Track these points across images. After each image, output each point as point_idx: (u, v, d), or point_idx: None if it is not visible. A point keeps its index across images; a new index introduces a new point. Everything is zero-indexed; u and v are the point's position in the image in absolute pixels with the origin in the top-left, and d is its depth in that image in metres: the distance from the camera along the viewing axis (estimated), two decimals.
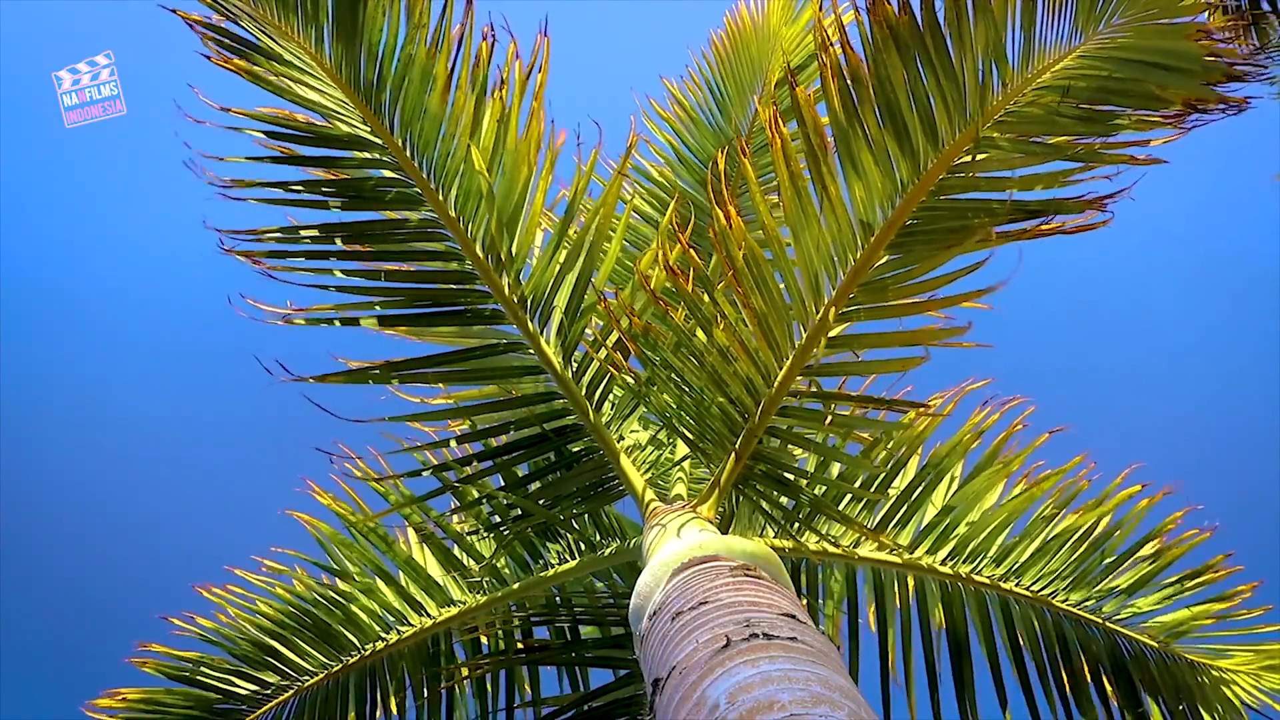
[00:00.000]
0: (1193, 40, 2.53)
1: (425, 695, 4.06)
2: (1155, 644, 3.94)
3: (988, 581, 3.95)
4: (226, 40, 3.53)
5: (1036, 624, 4.00)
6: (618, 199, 3.81)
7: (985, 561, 3.97)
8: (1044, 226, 3.03)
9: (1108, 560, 3.93)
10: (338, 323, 3.67)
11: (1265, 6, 6.00)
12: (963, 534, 3.98)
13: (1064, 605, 3.96)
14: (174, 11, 3.40)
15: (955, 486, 4.07)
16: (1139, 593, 3.96)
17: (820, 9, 3.22)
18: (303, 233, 3.71)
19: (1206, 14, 2.62)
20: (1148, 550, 3.94)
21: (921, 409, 3.83)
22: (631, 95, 4.97)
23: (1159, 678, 3.91)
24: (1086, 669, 3.94)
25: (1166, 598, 3.93)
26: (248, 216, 3.65)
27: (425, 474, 3.86)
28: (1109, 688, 3.92)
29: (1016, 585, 3.96)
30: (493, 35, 3.51)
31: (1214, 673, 3.90)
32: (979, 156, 3.02)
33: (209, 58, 3.48)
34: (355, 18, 3.44)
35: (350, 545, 4.09)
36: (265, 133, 3.65)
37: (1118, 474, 4.01)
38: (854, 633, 4.10)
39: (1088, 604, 3.96)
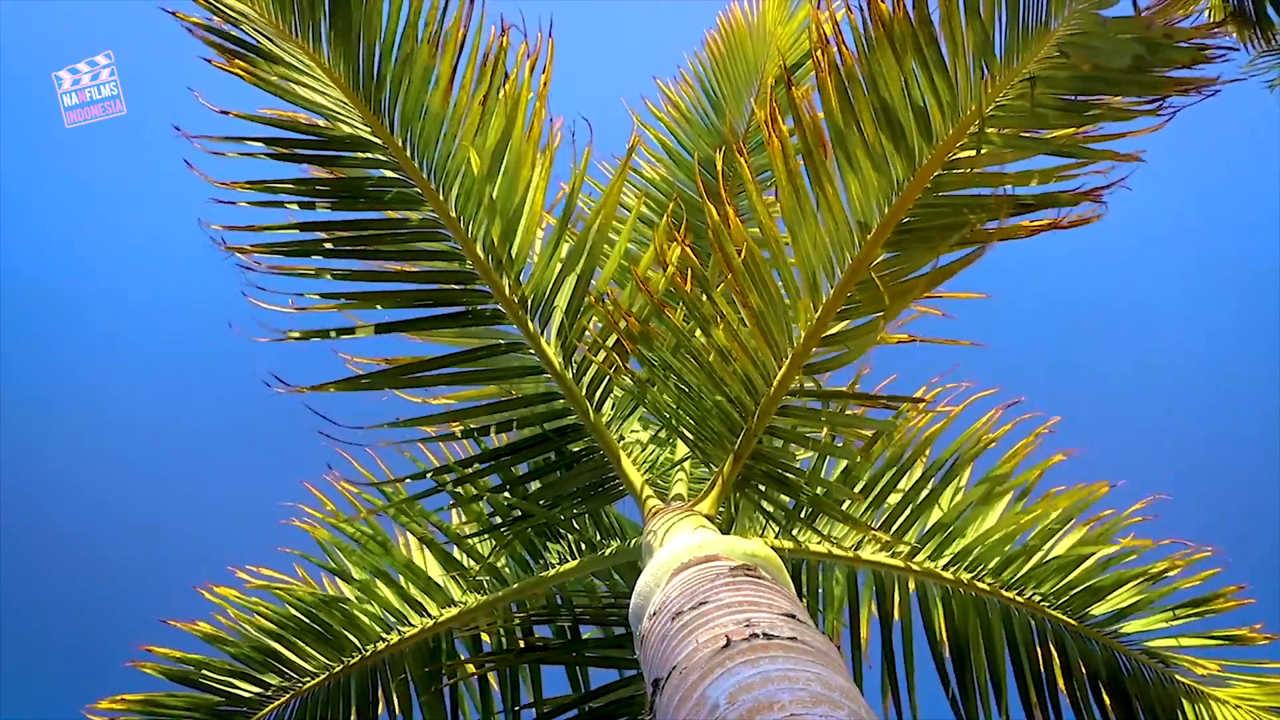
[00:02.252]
0: (1140, 28, 2.53)
1: (426, 695, 4.06)
2: (1153, 664, 3.93)
3: (988, 589, 3.95)
4: (225, 42, 3.53)
5: (1036, 632, 3.99)
6: (619, 200, 3.81)
7: (986, 571, 3.96)
8: (1039, 221, 3.03)
9: (1111, 580, 3.90)
10: (334, 333, 3.67)
11: (1272, 15, 5.99)
12: (965, 542, 3.96)
13: (1064, 617, 3.95)
14: (172, 14, 3.39)
15: (961, 494, 4.05)
16: (1141, 613, 3.93)
17: (816, 7, 3.21)
18: (303, 233, 3.71)
19: (1212, 18, 2.64)
20: (1154, 570, 3.90)
21: (920, 404, 3.83)
22: (625, 95, 4.98)
23: (1156, 697, 3.89)
24: (1086, 680, 3.93)
25: (1168, 621, 3.90)
26: (248, 218, 3.65)
27: (427, 477, 3.86)
28: (1107, 701, 3.91)
29: (1017, 595, 3.95)
30: (498, 35, 3.51)
31: (1214, 704, 3.88)
32: (973, 152, 3.02)
33: (209, 60, 3.48)
34: (352, 16, 3.44)
35: (350, 548, 4.09)
36: (265, 139, 3.64)
37: (1117, 474, 4.01)
38: (854, 634, 4.09)
39: (1087, 618, 3.95)
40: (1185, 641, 3.91)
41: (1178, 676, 3.92)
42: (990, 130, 2.97)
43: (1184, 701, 3.89)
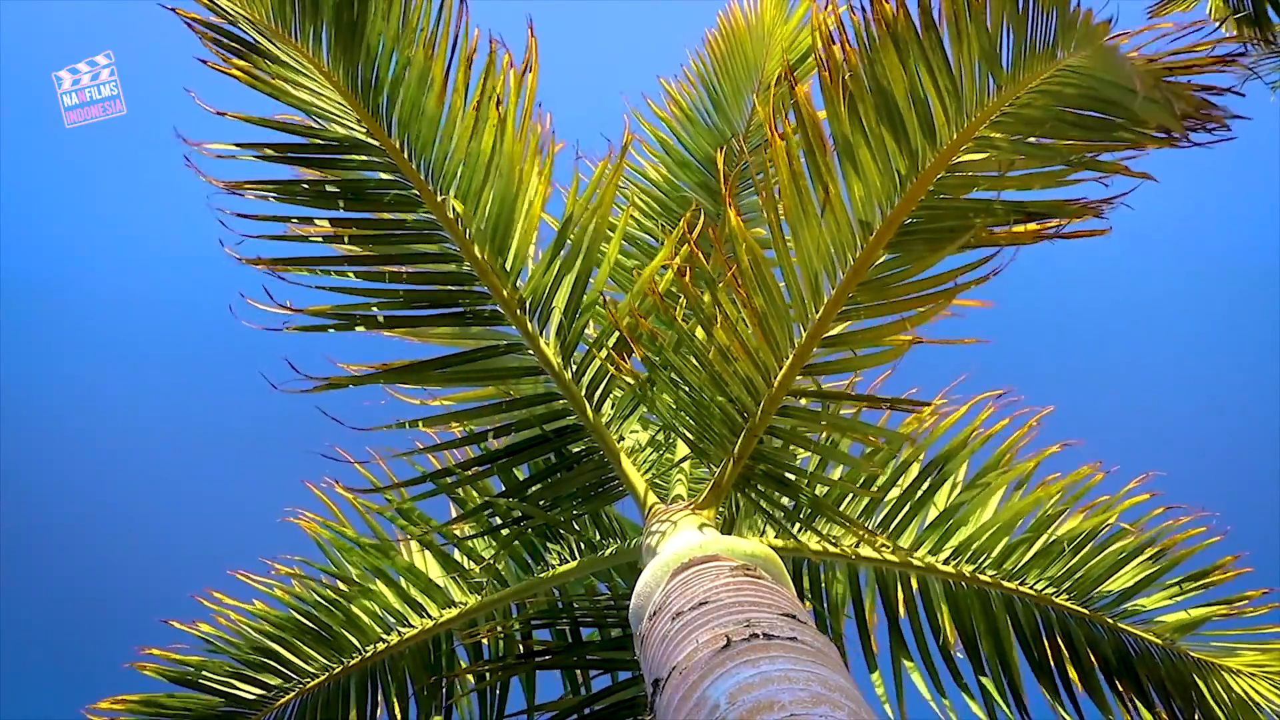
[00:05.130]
0: (1135, 74, 2.45)
1: (426, 696, 4.06)
2: (1161, 642, 3.94)
3: (990, 580, 3.95)
4: (224, 42, 3.52)
5: (1041, 621, 3.99)
6: (614, 199, 3.80)
7: (988, 561, 3.97)
8: (1043, 228, 3.01)
9: (1112, 561, 3.92)
10: (332, 329, 3.66)
11: (1272, 15, 5.98)
12: (965, 535, 3.98)
13: (1068, 604, 3.95)
14: (173, 10, 3.39)
15: (959, 488, 4.06)
16: (1143, 592, 3.95)
17: (817, 6, 3.18)
18: (302, 235, 3.71)
19: (1213, 18, 2.56)
20: (1152, 551, 3.93)
21: (922, 409, 3.83)
22: (627, 94, 4.98)
23: (1166, 675, 3.90)
24: (1096, 665, 3.93)
25: (1171, 597, 3.92)
26: (248, 220, 3.64)
27: (425, 481, 3.86)
28: (1117, 685, 3.91)
29: (1020, 585, 3.95)
30: (490, 38, 3.52)
31: (1224, 674, 3.89)
32: (977, 156, 2.98)
33: (206, 62, 3.48)
34: (354, 21, 3.43)
35: (350, 549, 4.09)
36: (264, 143, 3.64)
37: (1116, 469, 4.02)
38: (863, 633, 4.09)
39: (1091, 602, 3.96)
40: (1193, 613, 3.93)
41: (1189, 651, 3.93)
42: (997, 135, 2.94)
43: (1195, 677, 3.90)
